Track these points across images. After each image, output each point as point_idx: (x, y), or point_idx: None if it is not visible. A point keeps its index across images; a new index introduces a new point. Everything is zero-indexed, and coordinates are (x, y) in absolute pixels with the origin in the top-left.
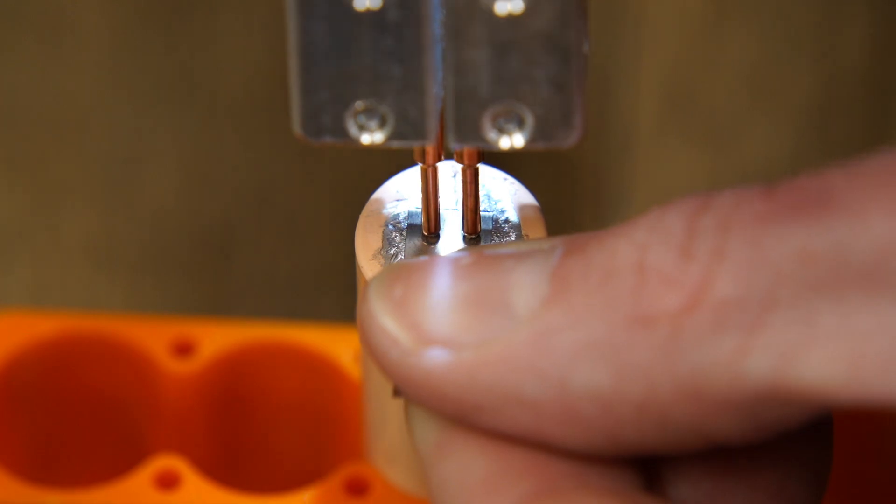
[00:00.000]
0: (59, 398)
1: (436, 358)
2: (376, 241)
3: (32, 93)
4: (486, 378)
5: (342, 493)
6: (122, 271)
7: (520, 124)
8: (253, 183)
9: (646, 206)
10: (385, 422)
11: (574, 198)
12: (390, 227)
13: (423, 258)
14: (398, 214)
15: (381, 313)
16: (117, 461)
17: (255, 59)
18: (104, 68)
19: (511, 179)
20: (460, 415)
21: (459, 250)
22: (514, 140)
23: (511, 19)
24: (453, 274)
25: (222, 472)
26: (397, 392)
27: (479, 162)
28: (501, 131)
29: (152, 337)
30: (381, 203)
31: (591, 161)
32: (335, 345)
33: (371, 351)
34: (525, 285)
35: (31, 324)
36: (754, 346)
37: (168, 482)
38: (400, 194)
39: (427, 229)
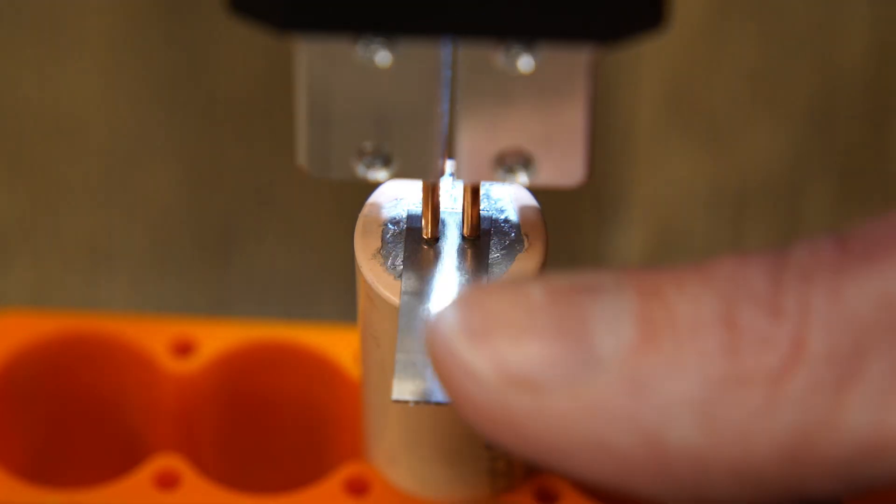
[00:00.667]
0: (60, 398)
1: (523, 399)
2: (375, 242)
3: (32, 93)
4: (577, 425)
5: (342, 493)
6: (123, 271)
7: (526, 166)
8: (253, 183)
9: (646, 206)
10: (385, 422)
11: (573, 198)
12: (389, 227)
13: (492, 282)
14: (397, 215)
15: (460, 345)
16: (117, 461)
17: (255, 59)
18: (104, 68)
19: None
20: (542, 457)
21: (516, 279)
22: (520, 179)
23: (521, 76)
24: (529, 305)
25: (222, 471)
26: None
27: None
28: (509, 171)
29: (152, 336)
30: (379, 203)
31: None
32: (335, 345)
33: (448, 386)
34: (606, 324)
35: (31, 323)
36: (851, 401)
37: (168, 482)
38: (398, 194)
39: (427, 233)
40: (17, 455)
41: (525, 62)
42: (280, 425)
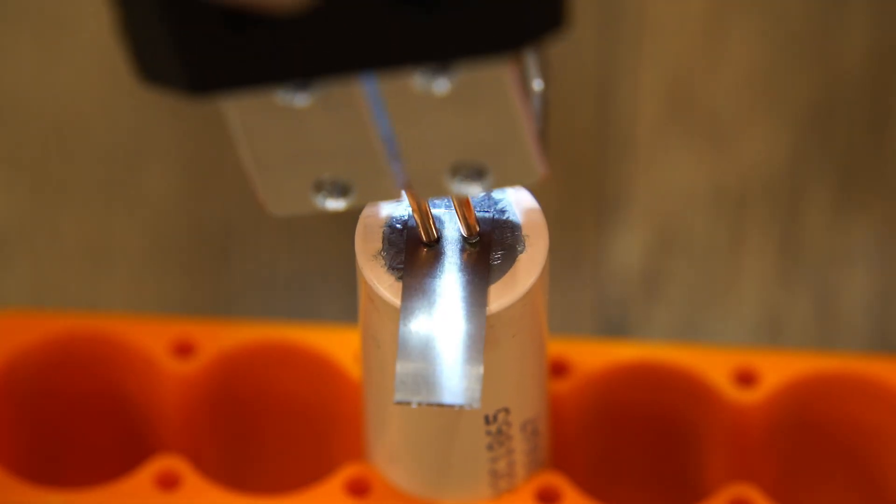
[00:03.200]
0: (60, 398)
1: None
2: (376, 242)
3: (32, 93)
4: None
5: (343, 493)
6: (123, 271)
7: (480, 174)
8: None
9: (646, 206)
10: (385, 422)
11: (574, 198)
12: (390, 227)
13: None
14: (398, 216)
15: None
16: (118, 461)
17: None
18: (104, 68)
19: None
20: None
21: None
22: (476, 188)
23: (444, 96)
24: None
25: (223, 472)
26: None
27: None
28: (465, 180)
29: (153, 337)
30: (380, 204)
31: (591, 161)
32: (336, 345)
33: None
34: None
35: (31, 324)
36: None
37: (169, 482)
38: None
39: (424, 238)
40: (18, 455)
41: (440, 84)
42: (280, 426)
